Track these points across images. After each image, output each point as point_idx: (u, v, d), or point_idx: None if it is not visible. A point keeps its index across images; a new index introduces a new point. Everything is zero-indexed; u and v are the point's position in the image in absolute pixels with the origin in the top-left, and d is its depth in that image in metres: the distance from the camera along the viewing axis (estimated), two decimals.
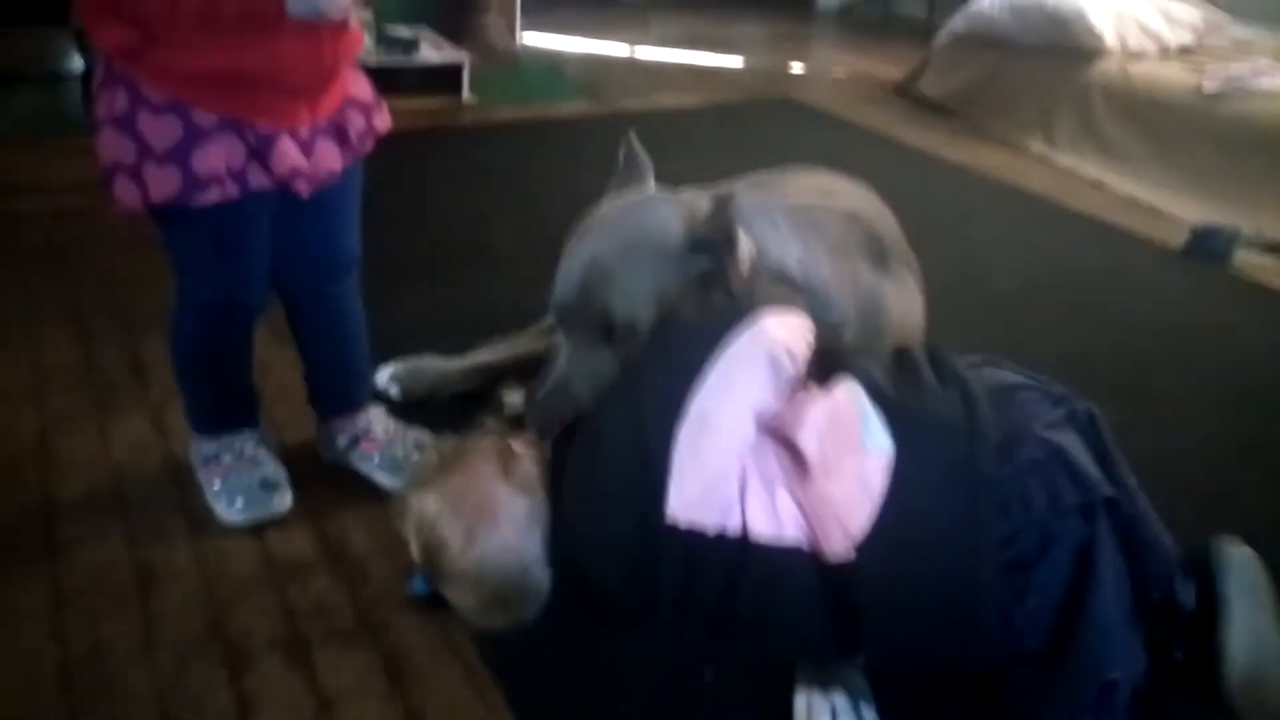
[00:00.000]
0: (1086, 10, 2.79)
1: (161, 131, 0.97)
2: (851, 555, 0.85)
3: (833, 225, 1.30)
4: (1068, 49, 2.81)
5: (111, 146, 0.99)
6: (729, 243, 1.05)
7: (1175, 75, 2.66)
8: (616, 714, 0.99)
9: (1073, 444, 0.91)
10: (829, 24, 4.77)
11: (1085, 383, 1.60)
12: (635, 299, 1.04)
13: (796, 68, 3.78)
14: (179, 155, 0.98)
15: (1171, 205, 2.43)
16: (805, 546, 0.86)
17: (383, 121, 1.17)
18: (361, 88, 1.13)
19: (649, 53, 3.81)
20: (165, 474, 1.27)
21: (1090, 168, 2.67)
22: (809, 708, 0.95)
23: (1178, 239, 2.22)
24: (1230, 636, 0.88)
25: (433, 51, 2.97)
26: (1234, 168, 2.40)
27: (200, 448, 1.22)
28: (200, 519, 1.19)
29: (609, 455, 0.91)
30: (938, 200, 2.44)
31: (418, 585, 1.06)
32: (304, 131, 1.05)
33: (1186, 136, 2.51)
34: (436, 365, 1.46)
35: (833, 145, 2.82)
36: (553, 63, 3.53)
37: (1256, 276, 2.10)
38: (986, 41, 3.04)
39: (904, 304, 1.35)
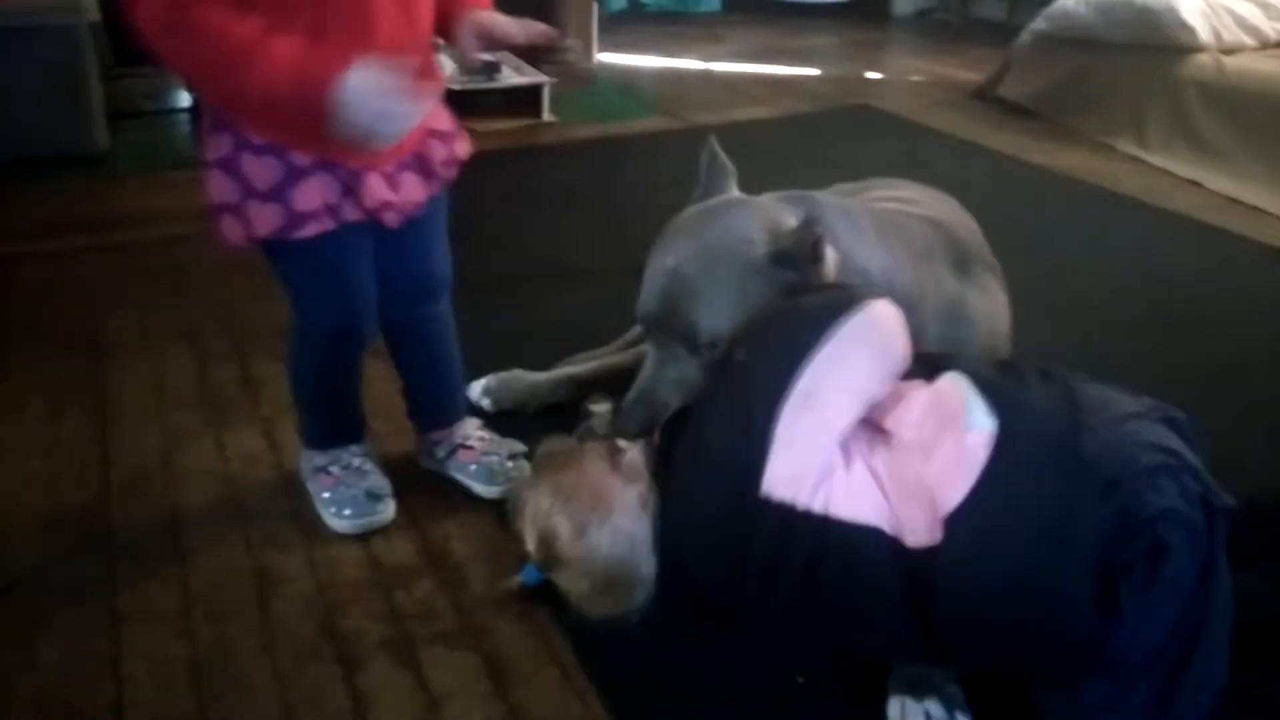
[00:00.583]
0: (1178, 4, 2.70)
1: (262, 172, 1.05)
2: (937, 538, 0.83)
3: (915, 231, 1.31)
4: (1158, 45, 2.74)
5: (218, 187, 1.07)
6: (815, 257, 1.06)
7: (1274, 68, 2.56)
8: (709, 715, 1.01)
9: (1186, 451, 0.88)
10: (905, 30, 4.71)
11: (1180, 388, 1.58)
12: (718, 310, 1.07)
13: (873, 75, 3.76)
14: (279, 193, 1.06)
15: (1273, 203, 2.33)
16: (887, 529, 0.85)
17: (463, 149, 1.22)
18: (441, 119, 1.19)
19: (724, 67, 3.83)
20: (278, 485, 1.34)
21: (1185, 167, 2.58)
22: (903, 714, 0.96)
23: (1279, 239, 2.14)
24: None
25: (513, 74, 3.06)
26: None
27: (311, 460, 1.29)
28: (311, 527, 1.26)
29: (713, 432, 0.92)
30: (1023, 205, 2.40)
31: (529, 575, 1.08)
32: (389, 166, 1.11)
33: None
34: (526, 378, 1.51)
35: (913, 152, 2.80)
36: (629, 80, 3.59)
37: None
38: (1071, 40, 2.97)
39: (989, 310, 1.35)
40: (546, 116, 3.04)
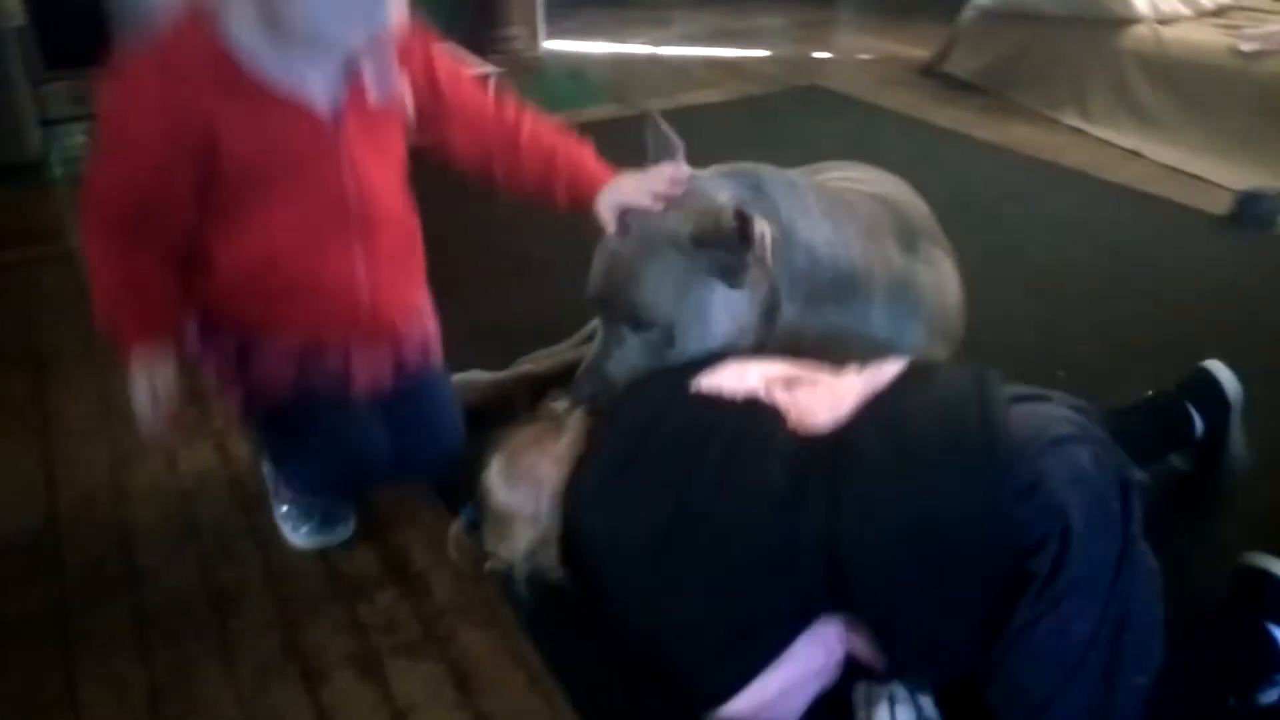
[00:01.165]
0: None
1: (230, 349, 1.08)
2: (840, 420, 0.90)
3: (863, 208, 1.32)
4: (1098, 17, 2.77)
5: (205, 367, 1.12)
6: (743, 236, 1.06)
7: (1210, 37, 2.61)
8: (677, 713, 1.01)
9: (1097, 428, 0.91)
10: (852, 7, 4.72)
11: (1131, 356, 1.61)
12: (653, 291, 1.11)
13: (822, 54, 3.77)
14: (245, 367, 1.08)
15: (1213, 172, 2.38)
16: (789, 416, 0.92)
17: (433, 327, 1.25)
18: (422, 298, 1.22)
19: (673, 51, 3.82)
20: (232, 500, 1.32)
21: (1127, 138, 2.63)
22: (867, 697, 0.97)
23: (1222, 206, 2.18)
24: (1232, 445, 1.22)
25: None
26: (1276, 129, 2.35)
27: (273, 472, 1.27)
28: (268, 541, 1.24)
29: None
30: (971, 179, 2.42)
31: (467, 513, 1.12)
32: (355, 343, 1.11)
33: (1225, 99, 2.46)
34: (485, 377, 1.50)
35: (863, 130, 2.82)
36: (577, 67, 3.56)
37: None
38: (1014, 15, 3.00)
39: (937, 285, 1.36)
40: None
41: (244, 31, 0.89)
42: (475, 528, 1.09)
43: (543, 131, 1.15)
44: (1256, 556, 0.99)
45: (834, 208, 1.26)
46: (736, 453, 0.91)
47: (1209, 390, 1.30)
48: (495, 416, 1.44)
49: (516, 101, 1.17)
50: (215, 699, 1.02)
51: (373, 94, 0.99)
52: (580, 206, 1.15)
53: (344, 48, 0.94)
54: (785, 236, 1.16)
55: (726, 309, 1.13)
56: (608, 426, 1.04)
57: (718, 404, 0.96)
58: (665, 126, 1.24)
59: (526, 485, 1.02)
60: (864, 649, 0.91)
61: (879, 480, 0.86)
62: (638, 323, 1.13)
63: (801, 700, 0.91)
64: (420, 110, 1.07)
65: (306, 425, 1.09)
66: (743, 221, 1.06)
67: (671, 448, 0.95)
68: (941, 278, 1.38)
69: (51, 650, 1.08)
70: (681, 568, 0.90)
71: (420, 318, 1.19)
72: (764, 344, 1.19)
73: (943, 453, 0.86)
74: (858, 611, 0.89)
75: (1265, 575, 0.96)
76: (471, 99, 1.13)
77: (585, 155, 1.17)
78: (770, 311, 1.18)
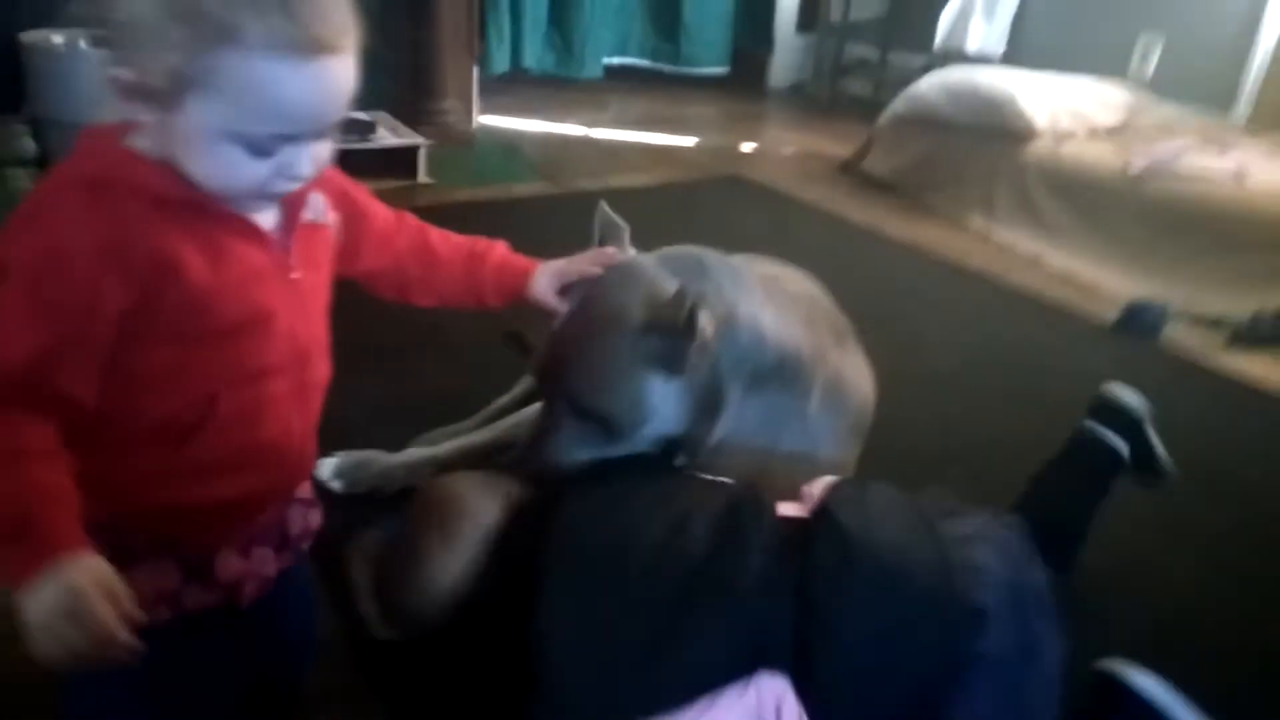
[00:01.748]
0: (1016, 94, 2.92)
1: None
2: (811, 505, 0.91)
3: (802, 299, 1.35)
4: (1001, 130, 2.94)
5: None
6: (688, 327, 1.05)
7: (1103, 155, 2.79)
8: None
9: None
10: (781, 103, 4.92)
11: (1015, 460, 1.66)
12: (593, 378, 1.08)
13: (747, 146, 3.90)
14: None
15: (1105, 280, 2.53)
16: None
17: (317, 519, 1.05)
18: (305, 488, 1.02)
19: (605, 133, 3.91)
20: None
21: (1028, 243, 2.77)
22: None
23: (1111, 313, 2.30)
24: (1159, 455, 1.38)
25: (389, 135, 3.04)
26: (1162, 244, 2.51)
27: None
28: None
29: None
30: (880, 276, 2.52)
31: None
32: (242, 540, 0.93)
33: (1116, 214, 2.63)
34: (381, 459, 1.47)
35: (779, 222, 2.91)
36: (510, 144, 3.61)
37: (1185, 350, 2.18)
38: (926, 122, 3.17)
39: (861, 382, 1.40)
40: (423, 178, 3.03)
41: (157, 148, 0.77)
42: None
43: (454, 237, 1.11)
44: (1112, 663, 1.02)
45: (775, 294, 1.28)
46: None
47: (1116, 412, 1.39)
48: (384, 502, 1.42)
49: (418, 218, 1.11)
50: None
51: (307, 213, 0.88)
52: (514, 298, 1.12)
53: (254, 188, 0.79)
54: (729, 319, 1.15)
55: (665, 399, 1.11)
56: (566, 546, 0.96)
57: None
58: (611, 214, 1.24)
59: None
60: None
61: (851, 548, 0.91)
62: (578, 409, 1.10)
63: None
64: (341, 237, 0.97)
65: (169, 658, 0.79)
66: (691, 313, 1.05)
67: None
68: (863, 375, 1.41)
69: None
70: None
71: (309, 504, 1.03)
72: (704, 434, 1.17)
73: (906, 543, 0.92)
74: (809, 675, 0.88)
75: (1118, 684, 0.99)
76: (383, 218, 1.05)
77: (504, 250, 1.13)
78: (711, 399, 1.16)
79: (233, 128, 0.72)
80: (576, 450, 1.10)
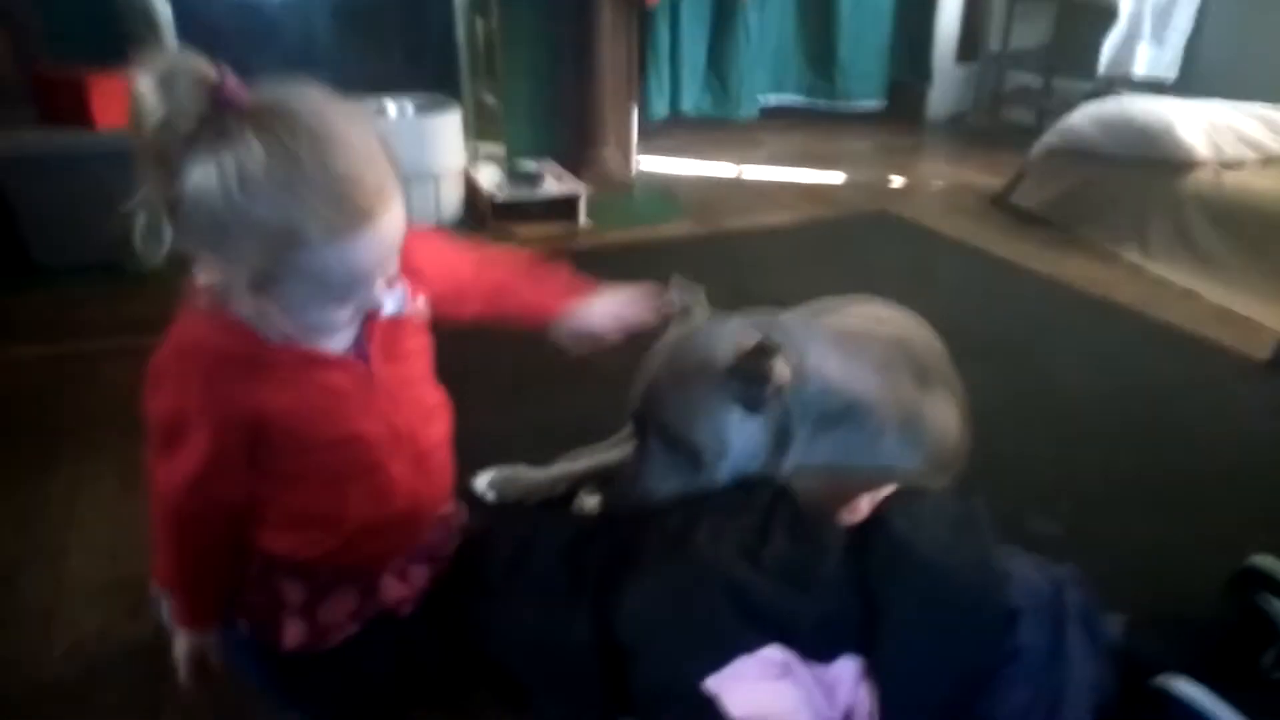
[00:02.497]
0: (1175, 123, 2.85)
1: (291, 591, 1.06)
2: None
3: (876, 345, 1.48)
4: (1159, 160, 2.87)
5: (253, 602, 1.08)
6: (765, 374, 1.25)
7: (1271, 184, 2.67)
8: None
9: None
10: (938, 134, 4.91)
11: (1149, 500, 1.68)
12: (687, 414, 1.27)
13: (897, 181, 3.95)
14: (307, 610, 1.06)
15: (1264, 314, 2.42)
16: None
17: (461, 518, 1.23)
18: (448, 505, 1.19)
19: (757, 171, 4.07)
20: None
21: (1183, 277, 2.69)
22: None
23: (1269, 352, 2.22)
24: None
25: (553, 183, 3.33)
26: None
27: None
28: None
29: None
30: (1020, 311, 2.53)
31: None
32: (402, 562, 1.13)
33: None
34: (528, 473, 1.69)
35: (922, 257, 2.96)
36: (665, 186, 3.84)
37: None
38: (1079, 153, 3.12)
39: (941, 422, 1.50)
40: (583, 223, 3.30)
41: (247, 312, 0.90)
42: None
43: (498, 267, 1.22)
44: (1162, 679, 1.06)
45: (846, 345, 1.44)
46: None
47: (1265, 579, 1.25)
48: (533, 510, 1.63)
49: (483, 245, 1.24)
50: None
51: (385, 310, 1.00)
52: (542, 330, 1.25)
53: (343, 320, 0.94)
54: (799, 369, 1.32)
55: (743, 434, 1.30)
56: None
57: None
58: (683, 280, 1.46)
59: None
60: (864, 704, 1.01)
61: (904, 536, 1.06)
62: (669, 442, 1.29)
63: None
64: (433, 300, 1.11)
65: (346, 664, 1.09)
66: (768, 362, 1.24)
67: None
68: (945, 417, 1.52)
69: (147, 675, 1.26)
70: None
71: (451, 518, 1.21)
72: (775, 469, 1.33)
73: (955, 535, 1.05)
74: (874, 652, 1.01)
75: (1166, 695, 1.04)
76: (456, 267, 1.18)
77: (536, 286, 1.24)
78: (782, 437, 1.34)
79: (313, 297, 0.88)
80: (666, 480, 1.29)
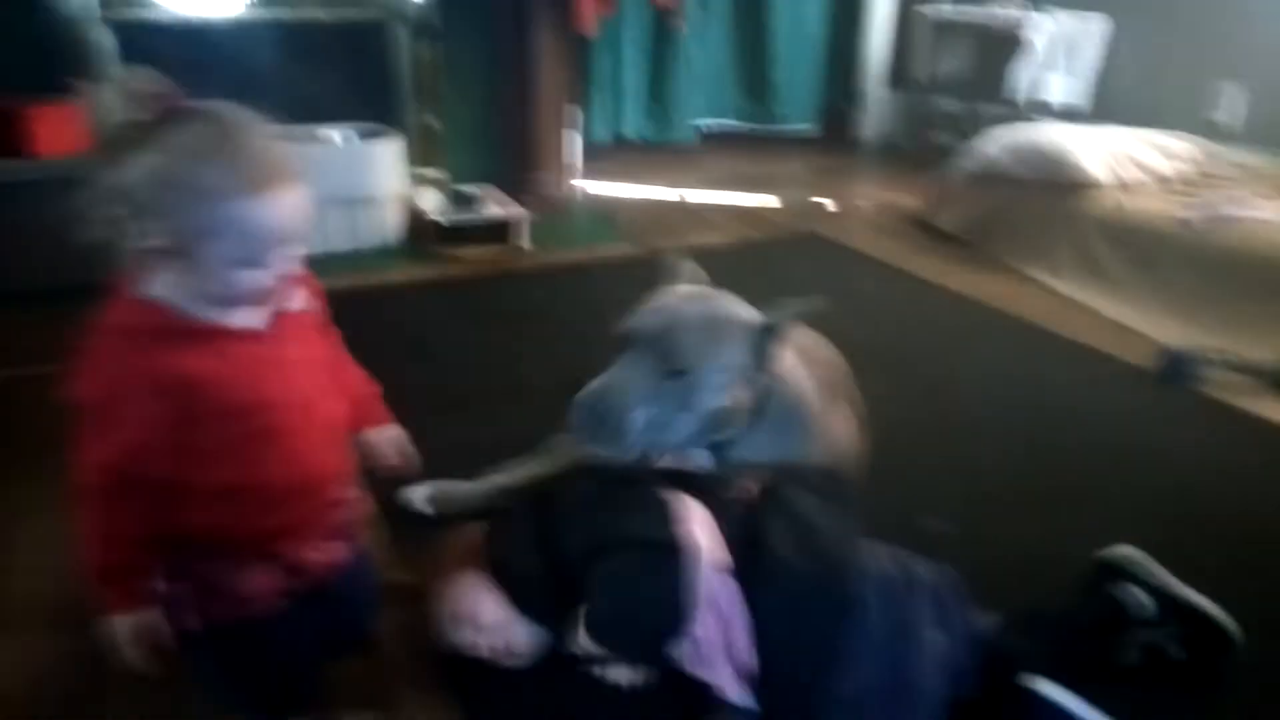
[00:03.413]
0: (1077, 150, 3.05)
1: (211, 570, 1.14)
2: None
3: (794, 357, 1.60)
4: (1062, 184, 3.07)
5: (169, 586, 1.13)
6: (780, 335, 1.37)
7: (1164, 206, 2.87)
8: None
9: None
10: (869, 159, 5.11)
11: (1038, 502, 1.82)
12: (709, 349, 1.31)
13: (826, 202, 4.12)
14: (228, 584, 1.14)
15: (1157, 329, 2.61)
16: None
17: (364, 507, 1.34)
18: (349, 488, 1.28)
19: (696, 194, 4.21)
20: None
21: (1085, 294, 2.87)
22: None
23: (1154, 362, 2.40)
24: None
25: (494, 207, 3.43)
26: (1212, 292, 2.58)
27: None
28: None
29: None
30: (933, 327, 2.69)
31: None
32: (319, 538, 1.22)
33: (1170, 263, 2.71)
34: (463, 487, 1.78)
35: (848, 277, 3.12)
36: (605, 209, 3.96)
37: (1223, 396, 2.25)
38: (991, 177, 3.32)
39: (841, 434, 1.63)
40: (523, 245, 3.40)
41: (170, 291, 1.03)
42: None
43: (348, 371, 1.33)
44: (1027, 678, 1.18)
45: (799, 354, 1.57)
46: None
47: (1119, 570, 1.36)
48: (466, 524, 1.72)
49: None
50: None
51: (291, 305, 1.14)
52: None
53: (260, 290, 1.07)
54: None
55: (736, 390, 1.36)
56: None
57: None
58: (686, 261, 1.54)
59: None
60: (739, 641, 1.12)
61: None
62: (670, 367, 1.29)
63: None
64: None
65: (272, 636, 1.17)
66: (781, 327, 1.35)
67: None
68: (845, 430, 1.65)
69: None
70: None
71: (350, 481, 1.30)
72: (735, 435, 1.41)
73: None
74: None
75: (1029, 693, 1.16)
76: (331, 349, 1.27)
77: (354, 404, 1.30)
78: (757, 405, 1.42)
79: (227, 253, 1.00)
80: (646, 402, 1.29)
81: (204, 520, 1.11)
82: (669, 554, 1.09)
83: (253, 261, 1.03)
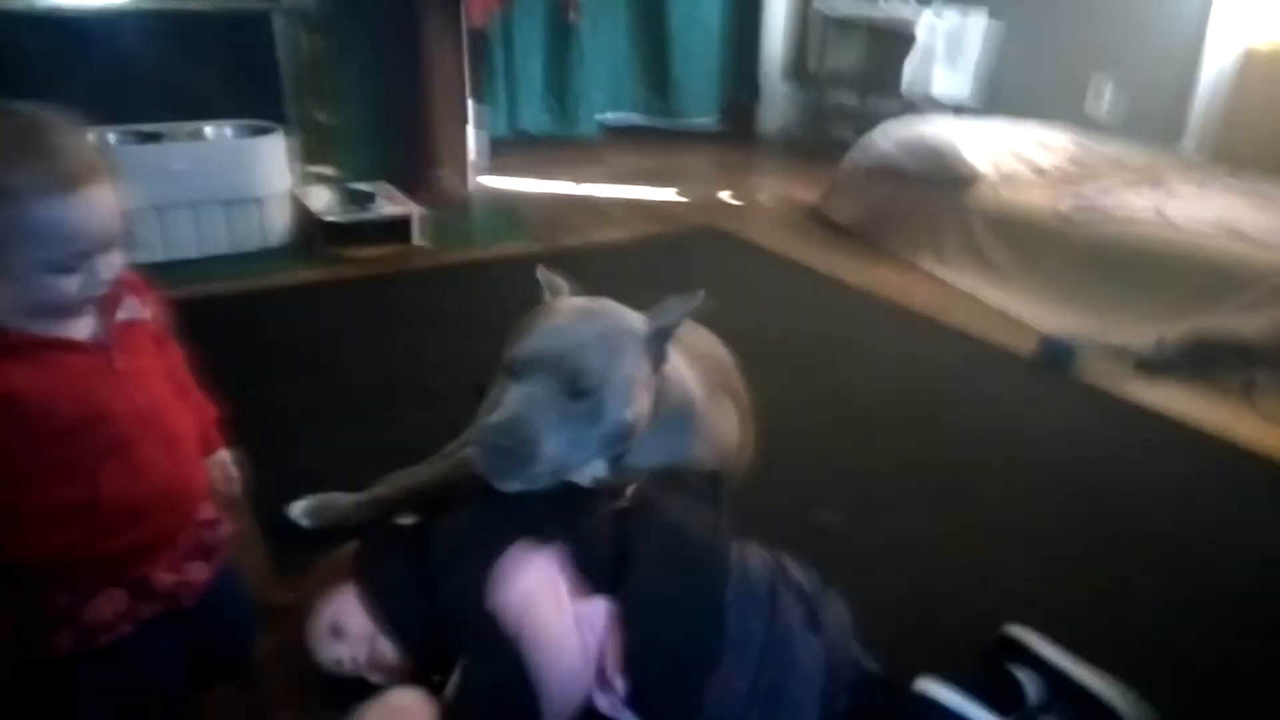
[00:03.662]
0: (958, 142, 3.15)
1: (55, 601, 1.07)
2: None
3: (683, 354, 1.60)
4: (947, 177, 3.16)
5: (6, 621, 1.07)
6: (671, 335, 1.36)
7: (1040, 197, 2.99)
8: None
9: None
10: (769, 151, 5.18)
11: (925, 490, 1.86)
12: (601, 361, 1.27)
13: (726, 195, 4.15)
14: (70, 615, 1.07)
15: (1035, 317, 2.71)
16: None
17: (226, 529, 1.26)
18: (207, 510, 1.23)
19: (598, 189, 4.19)
20: None
21: (970, 282, 2.97)
22: None
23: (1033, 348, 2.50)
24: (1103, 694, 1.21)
25: (387, 204, 3.34)
26: (1086, 279, 2.70)
27: None
28: None
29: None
30: (827, 317, 2.74)
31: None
32: (174, 558, 1.16)
33: (1048, 251, 2.82)
34: (341, 500, 1.72)
35: (746, 270, 3.15)
36: (504, 205, 3.91)
37: (1097, 381, 2.36)
38: (880, 171, 3.40)
39: (725, 428, 1.63)
40: (418, 242, 3.32)
41: None
42: None
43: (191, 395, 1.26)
44: (921, 681, 1.19)
45: (683, 351, 1.56)
46: None
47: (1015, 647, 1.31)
48: (348, 537, 1.66)
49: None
50: None
51: (121, 313, 1.09)
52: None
53: (80, 299, 1.01)
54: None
55: (638, 400, 1.33)
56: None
57: None
58: (551, 274, 1.48)
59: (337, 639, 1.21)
60: (612, 658, 1.11)
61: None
62: (575, 388, 1.24)
63: (562, 663, 1.09)
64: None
65: (129, 662, 1.11)
66: (668, 331, 1.35)
67: None
68: (728, 424, 1.65)
69: None
70: None
71: (208, 498, 1.25)
72: (627, 448, 1.38)
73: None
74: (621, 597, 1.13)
75: (923, 698, 1.18)
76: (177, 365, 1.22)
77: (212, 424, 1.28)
78: (651, 409, 1.39)
79: (38, 258, 0.95)
80: (556, 429, 1.23)
81: (44, 546, 1.04)
82: (514, 672, 1.07)
83: (66, 267, 0.97)
